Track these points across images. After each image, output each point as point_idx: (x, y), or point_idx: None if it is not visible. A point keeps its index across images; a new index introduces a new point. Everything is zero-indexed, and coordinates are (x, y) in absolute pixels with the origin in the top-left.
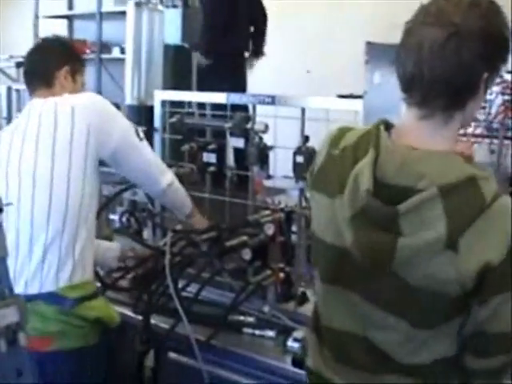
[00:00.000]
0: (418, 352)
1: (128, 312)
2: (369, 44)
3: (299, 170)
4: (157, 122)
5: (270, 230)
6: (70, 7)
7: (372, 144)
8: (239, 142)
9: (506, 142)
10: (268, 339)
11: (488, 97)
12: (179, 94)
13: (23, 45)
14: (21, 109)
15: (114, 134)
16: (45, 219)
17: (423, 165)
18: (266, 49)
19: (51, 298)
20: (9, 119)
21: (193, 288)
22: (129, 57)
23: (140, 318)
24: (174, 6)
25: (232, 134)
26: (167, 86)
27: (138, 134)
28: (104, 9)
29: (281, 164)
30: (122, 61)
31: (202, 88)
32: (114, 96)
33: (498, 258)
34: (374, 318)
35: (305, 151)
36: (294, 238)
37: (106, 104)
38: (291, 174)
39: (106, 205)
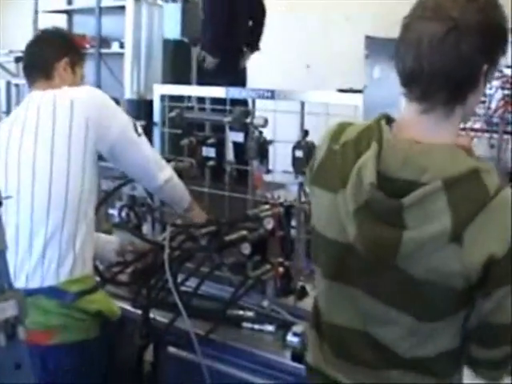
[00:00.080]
0: (423, 345)
1: (127, 306)
2: (369, 38)
3: (298, 165)
4: (156, 117)
5: (269, 224)
6: (70, 2)
7: (374, 138)
8: (239, 137)
9: (506, 136)
10: (267, 334)
11: (488, 91)
12: (178, 89)
13: (23, 40)
14: (20, 103)
15: (112, 129)
16: (44, 214)
17: (426, 158)
18: (266, 44)
19: (52, 292)
20: (8, 113)
21: (192, 282)
22: (128, 51)
23: (139, 312)
24: (174, 1)
25: (231, 129)
26: (166, 81)
27: (136, 130)
28: (103, 3)
29: (280, 158)
30: (121, 55)
31: (201, 82)
32: (113, 90)
33: (502, 251)
34: (377, 312)
35: (304, 146)
36: (293, 232)
37: (105, 98)
38: (290, 168)
39: (104, 199)
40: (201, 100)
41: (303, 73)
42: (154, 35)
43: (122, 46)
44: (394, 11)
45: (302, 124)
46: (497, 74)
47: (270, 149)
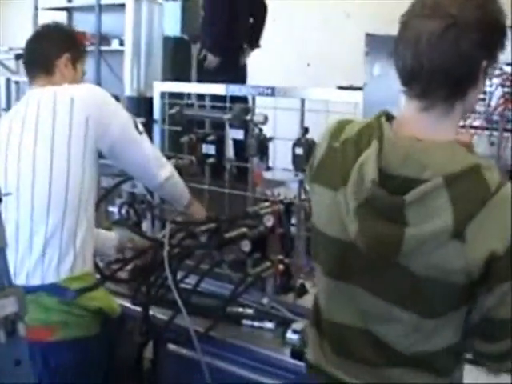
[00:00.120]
0: (425, 341)
1: (127, 304)
2: (369, 36)
3: (298, 162)
4: (156, 114)
5: (269, 221)
6: None
7: (375, 135)
8: (239, 134)
9: (506, 134)
10: (267, 331)
11: (488, 89)
12: (178, 86)
13: (22, 37)
14: (20, 100)
15: (112, 127)
16: (44, 213)
17: (427, 155)
18: (267, 42)
19: (53, 289)
20: (8, 111)
21: (192, 279)
22: (128, 49)
23: (139, 309)
24: None
25: (231, 126)
26: (167, 78)
27: (137, 128)
28: (103, 1)
29: (280, 156)
30: (121, 53)
31: (201, 80)
32: (113, 88)
33: (503, 247)
34: (378, 310)
35: (304, 143)
36: (293, 229)
37: (105, 96)
38: (290, 165)
39: (104, 197)
40: (201, 97)
41: (303, 70)
42: (154, 32)
43: (121, 43)
44: (394, 8)
45: (302, 121)
46: (497, 72)
47: (270, 146)
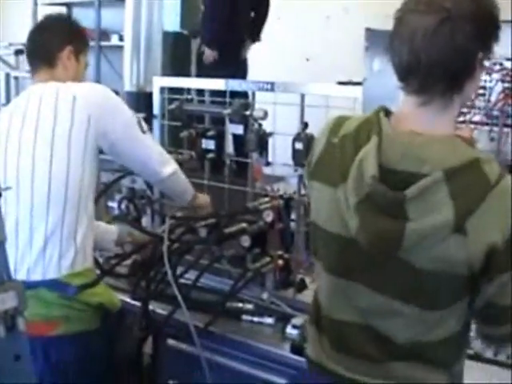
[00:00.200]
0: (428, 332)
1: (127, 299)
2: (369, 31)
3: (298, 157)
4: (156, 109)
5: (269, 217)
6: None
7: (374, 131)
8: (238, 129)
9: (506, 129)
10: (267, 326)
11: (488, 84)
12: (178, 81)
13: (22, 32)
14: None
15: (114, 127)
16: (44, 210)
17: (426, 150)
18: (267, 37)
19: (54, 285)
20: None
21: (191, 275)
22: (127, 44)
23: (138, 304)
24: None
25: (231, 121)
26: (166, 73)
27: (141, 126)
28: None
29: (280, 151)
30: (120, 48)
31: (202, 75)
32: (112, 83)
33: (503, 239)
34: (380, 306)
35: (304, 138)
36: (292, 225)
37: (108, 95)
38: (290, 160)
39: (104, 192)
40: (200, 92)
41: (303, 65)
42: (154, 27)
43: (121, 38)
44: (394, 4)
45: (302, 116)
46: (497, 67)
47: (270, 141)
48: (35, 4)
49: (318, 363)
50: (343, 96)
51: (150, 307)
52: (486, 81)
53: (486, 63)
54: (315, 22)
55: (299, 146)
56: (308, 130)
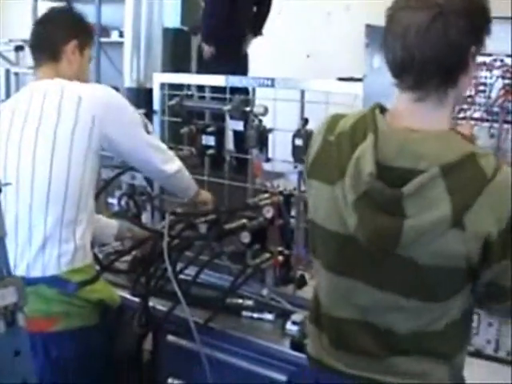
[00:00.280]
0: (430, 324)
1: (126, 295)
2: (369, 27)
3: (298, 153)
4: (156, 105)
5: (269, 213)
6: None
7: (370, 129)
8: (238, 125)
9: (506, 125)
10: (266, 322)
11: (488, 81)
12: (178, 77)
13: (22, 28)
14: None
15: (119, 128)
16: (43, 208)
17: (422, 146)
18: (267, 33)
19: (54, 281)
20: None
21: (191, 271)
22: (128, 40)
23: (138, 300)
24: None
25: (231, 117)
26: (166, 69)
27: (146, 127)
28: None
29: (280, 147)
30: (120, 44)
31: (202, 71)
32: (113, 79)
33: (499, 229)
34: (381, 302)
35: (304, 134)
36: (292, 221)
37: (114, 97)
38: (290, 157)
39: (104, 188)
40: (201, 88)
41: (303, 62)
42: (154, 24)
43: (121, 35)
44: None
45: (302, 112)
46: (497, 64)
47: (270, 137)
48: (35, 0)
49: (318, 360)
50: (343, 92)
51: (150, 303)
52: (486, 77)
53: (487, 60)
54: (316, 18)
55: (299, 142)
56: (308, 127)
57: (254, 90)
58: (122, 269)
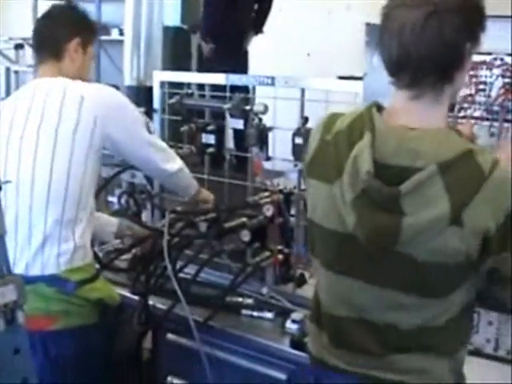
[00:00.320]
0: (432, 318)
1: (126, 293)
2: (369, 25)
3: (298, 152)
4: (156, 103)
5: (268, 211)
6: None
7: (367, 127)
8: (238, 124)
9: (506, 124)
10: (266, 321)
11: (488, 79)
12: (178, 75)
13: (22, 27)
14: (20, 88)
15: (121, 129)
16: (43, 208)
17: (419, 143)
18: (268, 32)
19: (53, 280)
20: None
21: (191, 269)
22: (128, 38)
23: (138, 298)
24: None
25: (231, 115)
26: (166, 67)
27: (148, 127)
28: None
29: (280, 146)
30: (120, 42)
31: (203, 70)
32: (113, 77)
33: (497, 224)
34: (381, 299)
35: (304, 133)
36: (292, 219)
37: (117, 97)
38: (290, 155)
39: (104, 186)
40: (201, 86)
41: (304, 61)
42: (154, 22)
43: (121, 33)
44: None
45: (302, 111)
46: (497, 62)
47: (270, 136)
48: None
49: (319, 359)
50: (344, 91)
51: (150, 301)
52: (486, 76)
53: (487, 59)
54: (317, 17)
55: (299, 140)
56: (308, 125)
57: (254, 88)
58: (122, 267)
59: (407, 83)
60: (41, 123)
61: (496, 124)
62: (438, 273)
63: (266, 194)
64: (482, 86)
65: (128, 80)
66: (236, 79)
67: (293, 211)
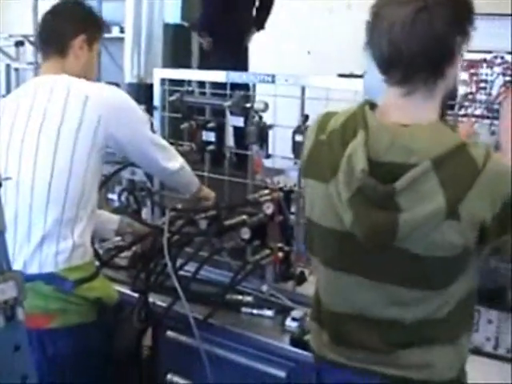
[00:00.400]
0: (436, 309)
1: (126, 290)
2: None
3: (298, 149)
4: (156, 100)
5: (269, 209)
6: None
7: (360, 126)
8: (239, 121)
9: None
10: (266, 318)
11: (489, 78)
12: (178, 72)
13: (22, 24)
14: (20, 85)
15: (125, 128)
16: (44, 207)
17: (412, 140)
18: (268, 30)
19: (51, 278)
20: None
21: (191, 267)
22: (128, 36)
23: (138, 296)
24: None
25: (232, 113)
26: (167, 65)
27: (151, 127)
28: None
29: (280, 143)
30: (121, 40)
31: (204, 67)
32: (113, 75)
33: (493, 215)
34: (382, 294)
35: (304, 130)
36: (292, 217)
37: (121, 97)
38: (290, 153)
39: (104, 183)
40: (201, 84)
41: (304, 59)
42: (155, 20)
43: (122, 30)
44: None
45: (303, 109)
46: (498, 61)
47: (270, 133)
48: None
49: (321, 357)
50: (344, 89)
51: (150, 299)
52: (487, 74)
53: (488, 57)
54: (317, 15)
55: (299, 138)
56: (308, 123)
57: (254, 86)
58: (122, 264)
59: (399, 80)
60: (43, 121)
61: (497, 122)
62: (437, 266)
63: (266, 191)
64: (482, 85)
65: (128, 77)
66: (236, 77)
67: (293, 209)
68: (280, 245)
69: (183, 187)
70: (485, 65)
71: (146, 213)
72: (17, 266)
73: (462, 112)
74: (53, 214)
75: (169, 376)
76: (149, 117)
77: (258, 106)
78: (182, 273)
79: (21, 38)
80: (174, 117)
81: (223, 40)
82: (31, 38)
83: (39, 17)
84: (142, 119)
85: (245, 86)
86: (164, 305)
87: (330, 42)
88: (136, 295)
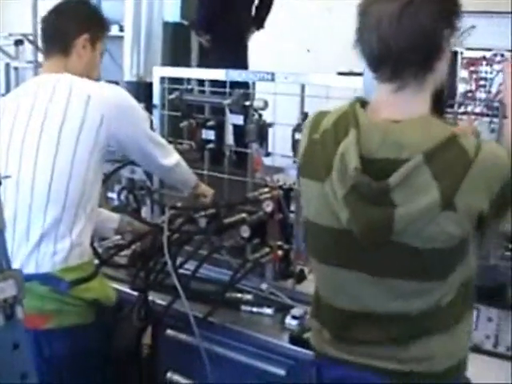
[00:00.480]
0: (435, 302)
1: (126, 289)
2: None
3: (298, 148)
4: (156, 99)
5: (268, 207)
6: None
7: (352, 124)
8: (238, 119)
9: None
10: (266, 316)
11: (488, 75)
12: (178, 71)
13: (22, 23)
14: (20, 84)
15: (127, 128)
16: (43, 207)
17: (403, 135)
18: (267, 28)
19: (47, 279)
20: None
21: (191, 265)
22: (128, 34)
23: (137, 294)
24: None
25: (231, 111)
26: (166, 63)
27: (151, 125)
28: None
29: (280, 141)
30: (120, 38)
31: (203, 65)
32: (112, 73)
33: (490, 203)
34: (383, 289)
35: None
36: (292, 215)
37: (123, 97)
38: (290, 151)
39: (103, 182)
40: (201, 82)
41: (304, 57)
42: (154, 18)
43: (121, 29)
44: None
45: (302, 107)
46: (498, 58)
47: (270, 132)
48: None
49: (322, 354)
50: (343, 86)
51: (150, 297)
52: (486, 72)
53: (487, 55)
54: (317, 13)
55: (299, 136)
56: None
57: (254, 84)
58: (122, 263)
59: (389, 76)
60: (44, 120)
61: (496, 120)
62: (436, 257)
63: (266, 189)
64: (482, 82)
65: (128, 76)
66: (236, 75)
67: (292, 207)
68: (280, 243)
69: (181, 183)
70: (484, 63)
71: (145, 211)
72: (15, 265)
73: (462, 110)
74: (52, 214)
75: (169, 374)
76: (148, 115)
77: (257, 104)
78: (181, 271)
79: (20, 37)
80: (173, 115)
81: (223, 38)
82: (31, 37)
83: (39, 16)
84: (142, 117)
85: (244, 84)
86: (164, 303)
87: (329, 40)
88: (136, 294)
